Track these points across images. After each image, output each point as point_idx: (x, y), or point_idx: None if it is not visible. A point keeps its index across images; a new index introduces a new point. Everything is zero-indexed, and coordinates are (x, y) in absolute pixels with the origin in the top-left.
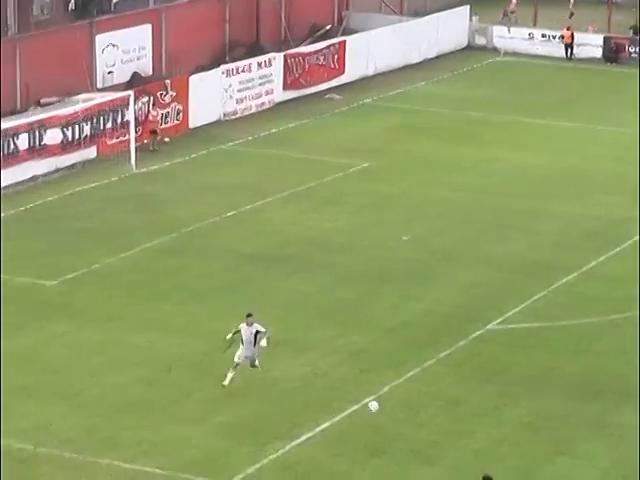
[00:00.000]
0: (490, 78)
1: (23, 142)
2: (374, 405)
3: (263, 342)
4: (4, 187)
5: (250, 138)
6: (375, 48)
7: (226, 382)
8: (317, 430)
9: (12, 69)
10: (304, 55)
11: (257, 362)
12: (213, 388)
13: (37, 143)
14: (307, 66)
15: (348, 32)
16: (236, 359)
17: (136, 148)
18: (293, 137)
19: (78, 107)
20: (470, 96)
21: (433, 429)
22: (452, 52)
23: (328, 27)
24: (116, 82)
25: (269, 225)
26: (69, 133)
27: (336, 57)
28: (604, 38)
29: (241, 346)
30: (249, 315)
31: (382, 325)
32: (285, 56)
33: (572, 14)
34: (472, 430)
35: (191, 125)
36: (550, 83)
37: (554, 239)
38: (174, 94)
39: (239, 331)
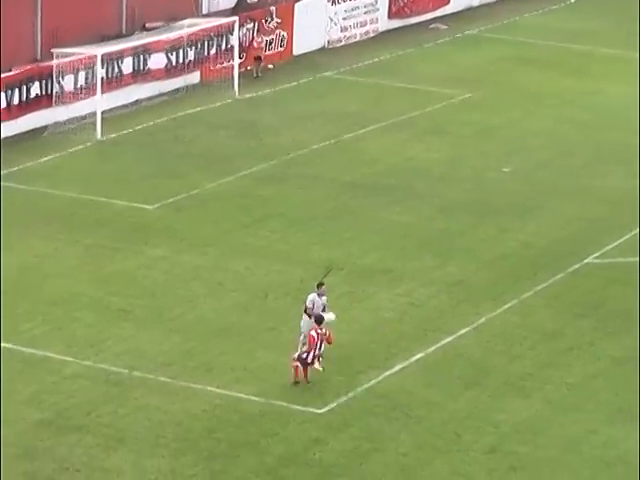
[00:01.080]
0: (597, 10)
1: (127, 66)
2: (330, 317)
3: (331, 315)
4: (108, 110)
5: (353, 66)
6: None
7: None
8: (412, 360)
9: None
10: None
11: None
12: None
13: (141, 67)
14: None
15: None
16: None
17: (239, 74)
18: (396, 66)
19: (183, 32)
20: (576, 28)
21: (528, 362)
22: None
23: None
24: (221, 8)
25: (370, 154)
26: (173, 58)
27: None
28: None
29: (306, 321)
30: (320, 284)
31: (480, 257)
32: None
33: None
34: (567, 364)
35: (295, 52)
36: None
37: None
38: (279, 21)
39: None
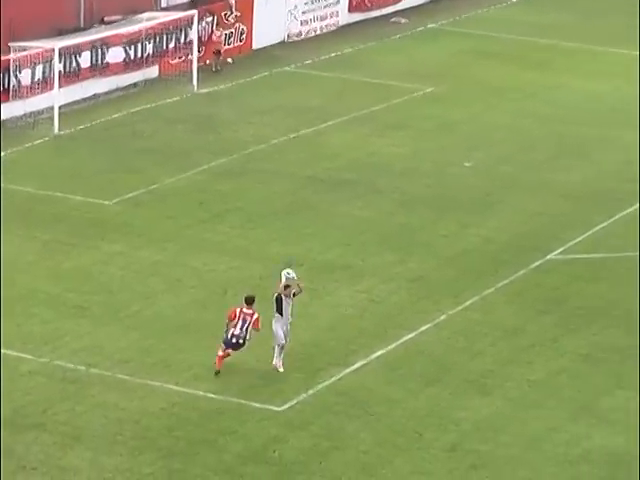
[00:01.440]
0: (559, 4)
1: (85, 60)
2: (290, 273)
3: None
4: (65, 104)
5: (314, 60)
6: None
7: (281, 368)
8: (372, 357)
9: None
10: None
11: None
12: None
13: (99, 61)
14: None
15: None
16: (279, 340)
17: (198, 68)
18: (357, 60)
19: (141, 26)
20: (538, 22)
21: (489, 359)
22: None
23: None
24: (180, 1)
25: (330, 149)
26: (131, 52)
27: None
28: None
29: (277, 319)
30: (287, 286)
31: (441, 252)
32: None
33: None
34: (529, 361)
35: (254, 46)
36: (621, 10)
37: (618, 169)
38: (238, 14)
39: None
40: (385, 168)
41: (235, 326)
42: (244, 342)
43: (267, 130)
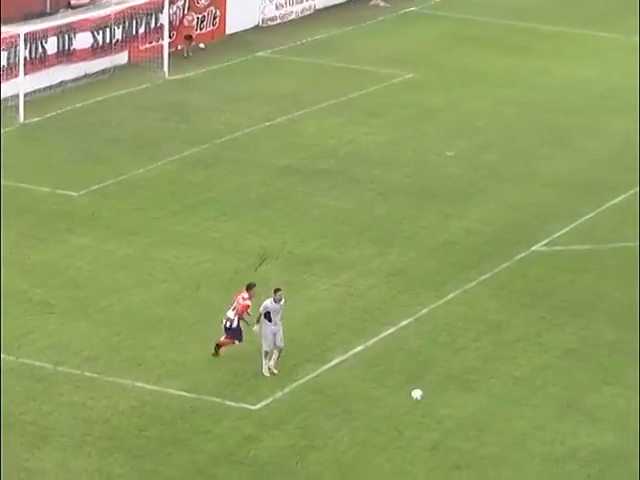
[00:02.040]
0: None
1: (52, 46)
2: (418, 394)
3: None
4: (31, 92)
5: (289, 45)
6: None
7: (266, 372)
8: (350, 353)
9: None
10: None
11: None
12: None
13: (66, 47)
14: None
15: None
16: (266, 347)
17: (169, 54)
18: (334, 45)
19: (110, 10)
20: (520, 5)
21: (473, 354)
22: None
23: None
24: None
25: (306, 137)
26: (100, 37)
27: None
28: None
29: (266, 324)
30: (277, 290)
31: (422, 244)
32: None
33: None
34: (513, 356)
35: (228, 31)
36: None
37: (604, 157)
38: None
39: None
40: (363, 157)
41: (229, 308)
42: (232, 327)
43: (241, 118)
